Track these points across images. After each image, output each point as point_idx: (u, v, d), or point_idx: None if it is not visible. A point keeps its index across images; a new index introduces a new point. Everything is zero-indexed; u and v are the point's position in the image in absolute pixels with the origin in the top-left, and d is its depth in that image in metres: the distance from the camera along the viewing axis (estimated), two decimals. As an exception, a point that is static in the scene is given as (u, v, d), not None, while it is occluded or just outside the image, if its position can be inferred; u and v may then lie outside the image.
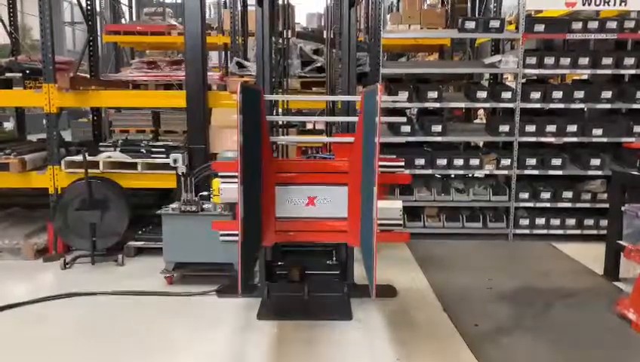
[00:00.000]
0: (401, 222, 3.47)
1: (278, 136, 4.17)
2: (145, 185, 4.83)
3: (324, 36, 4.44)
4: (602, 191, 5.46)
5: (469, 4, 8.29)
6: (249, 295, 3.91)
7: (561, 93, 5.41)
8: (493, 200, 5.61)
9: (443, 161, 5.45)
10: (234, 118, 3.97)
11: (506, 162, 5.47)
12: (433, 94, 5.42)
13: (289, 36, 4.48)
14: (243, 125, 2.54)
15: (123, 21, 10.94)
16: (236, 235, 2.58)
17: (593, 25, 5.35)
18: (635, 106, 5.42)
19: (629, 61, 5.36)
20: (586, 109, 5.93)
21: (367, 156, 2.76)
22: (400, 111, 5.84)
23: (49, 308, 3.78)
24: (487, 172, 5.55)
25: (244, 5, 8.68)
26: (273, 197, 3.41)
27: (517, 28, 5.43)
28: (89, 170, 4.59)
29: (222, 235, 3.21)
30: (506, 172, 5.51)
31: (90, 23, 5.96)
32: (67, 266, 4.56)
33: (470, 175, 5.99)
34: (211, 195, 4.08)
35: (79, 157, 4.68)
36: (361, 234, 3.22)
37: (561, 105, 5.43)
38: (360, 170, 3.23)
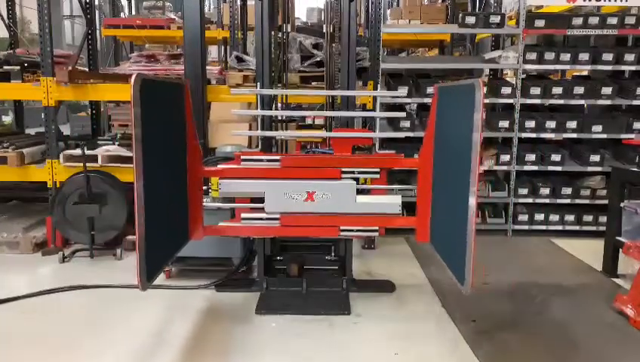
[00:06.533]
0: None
1: (277, 130, 4.17)
2: (144, 179, 4.81)
3: (324, 30, 4.42)
4: (602, 188, 5.45)
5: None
6: (248, 289, 3.92)
7: (561, 88, 5.40)
8: (493, 195, 5.60)
9: (442, 157, 5.44)
10: (233, 111, 3.98)
11: (505, 158, 5.46)
12: (433, 89, 5.39)
13: (289, 30, 4.46)
14: (143, 119, 2.40)
15: (122, 15, 10.89)
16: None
17: (594, 20, 5.32)
18: (635, 103, 5.39)
19: (630, 57, 5.34)
20: (586, 105, 5.92)
21: (457, 154, 2.71)
22: (400, 107, 5.82)
23: (47, 301, 3.78)
24: (487, 167, 5.55)
25: (244, -1, 8.64)
26: (200, 192, 3.37)
27: (517, 23, 5.41)
28: (88, 164, 4.57)
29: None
30: (505, 168, 5.50)
31: (89, 16, 5.94)
32: (66, 260, 4.56)
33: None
34: (210, 190, 4.07)
35: (78, 151, 4.67)
36: (433, 230, 3.23)
37: (561, 101, 5.41)
38: (430, 168, 3.23)
